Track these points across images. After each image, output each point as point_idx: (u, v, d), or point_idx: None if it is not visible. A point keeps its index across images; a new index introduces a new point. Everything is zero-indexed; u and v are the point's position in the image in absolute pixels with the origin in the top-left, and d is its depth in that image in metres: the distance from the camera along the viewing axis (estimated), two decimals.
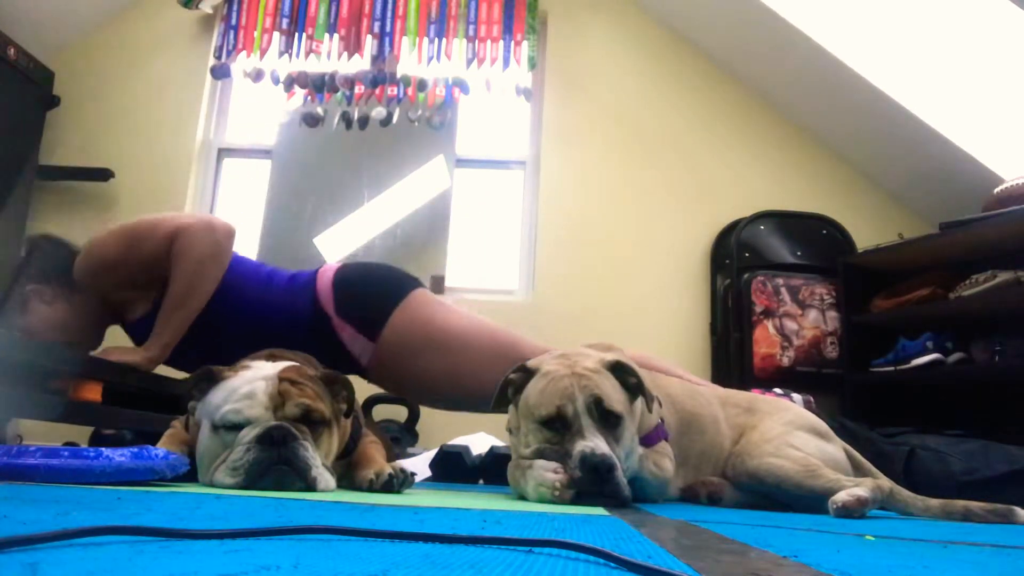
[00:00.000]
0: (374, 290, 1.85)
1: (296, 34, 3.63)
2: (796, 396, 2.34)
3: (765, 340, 3.04)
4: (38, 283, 1.78)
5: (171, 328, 1.70)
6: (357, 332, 1.80)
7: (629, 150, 3.61)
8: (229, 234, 1.76)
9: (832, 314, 3.06)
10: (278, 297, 1.81)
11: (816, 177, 3.55)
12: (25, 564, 0.36)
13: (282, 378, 1.21)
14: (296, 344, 1.69)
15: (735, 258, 3.24)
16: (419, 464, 2.26)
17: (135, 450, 1.05)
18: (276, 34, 3.62)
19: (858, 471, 1.56)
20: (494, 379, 1.71)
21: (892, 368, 2.76)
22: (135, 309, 1.79)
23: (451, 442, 2.34)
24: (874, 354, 2.86)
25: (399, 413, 3.17)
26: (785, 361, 3.01)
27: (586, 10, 3.78)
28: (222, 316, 1.76)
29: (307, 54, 3.59)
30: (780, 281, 3.12)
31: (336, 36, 3.62)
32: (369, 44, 3.63)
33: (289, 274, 1.88)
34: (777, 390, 2.51)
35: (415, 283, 1.91)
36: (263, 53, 3.62)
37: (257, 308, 1.79)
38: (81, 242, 1.81)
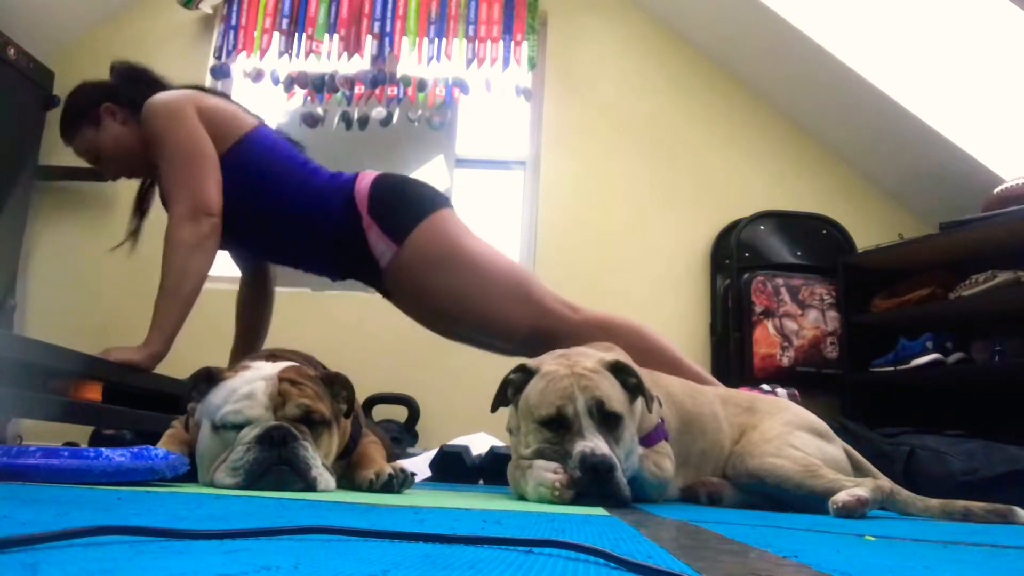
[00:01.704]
0: (410, 196, 1.92)
1: (296, 34, 3.63)
2: (781, 390, 2.34)
3: (765, 340, 3.04)
4: (115, 102, 1.94)
5: (170, 320, 1.71)
6: (383, 232, 1.84)
7: (629, 150, 3.61)
8: (213, 224, 1.78)
9: (832, 314, 3.06)
10: (316, 188, 1.88)
11: (816, 177, 3.55)
12: (25, 564, 0.36)
13: (282, 378, 1.21)
14: (324, 236, 1.86)
15: (735, 258, 3.24)
16: (419, 464, 2.26)
17: (135, 450, 1.05)
18: (276, 34, 3.62)
19: (858, 471, 1.56)
20: (502, 311, 1.82)
21: (892, 368, 2.76)
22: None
23: (451, 442, 2.34)
24: (874, 354, 2.86)
25: (399, 413, 3.17)
26: (785, 361, 3.01)
27: (586, 10, 3.78)
28: (263, 196, 1.84)
29: (307, 54, 3.59)
30: (780, 281, 3.12)
31: (336, 36, 3.62)
32: (369, 44, 3.63)
33: (332, 172, 1.96)
34: (764, 386, 2.51)
35: (449, 202, 1.98)
36: (263, 53, 3.62)
37: (296, 194, 1.86)
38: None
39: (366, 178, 1.91)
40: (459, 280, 1.86)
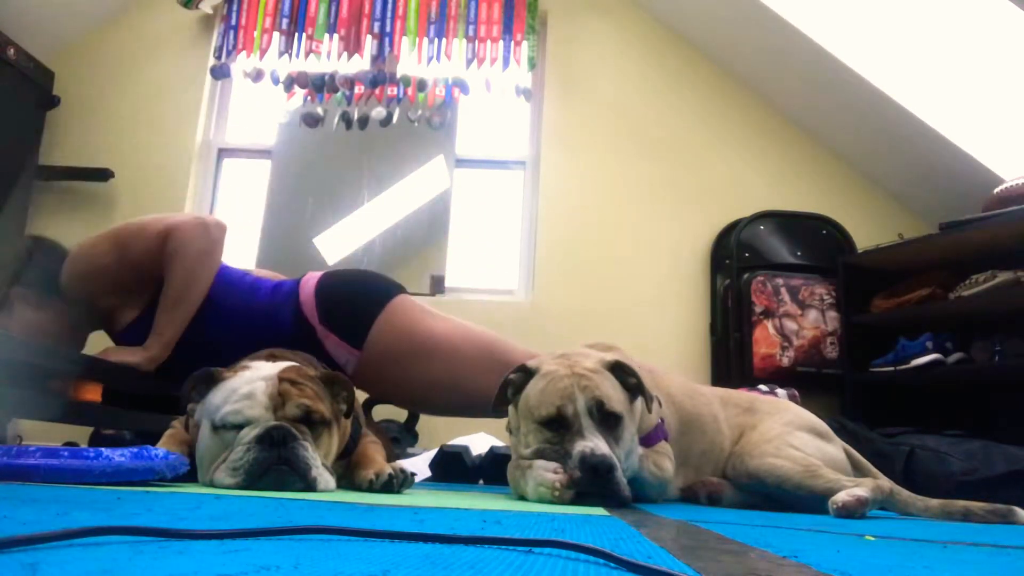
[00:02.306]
0: (357, 298, 1.83)
1: (296, 34, 3.63)
2: (780, 391, 2.34)
3: (765, 340, 3.04)
4: (25, 287, 1.75)
5: (171, 326, 1.70)
6: (341, 340, 1.78)
7: (629, 150, 3.61)
8: (222, 230, 1.76)
9: (832, 314, 3.06)
10: (262, 306, 1.80)
11: (816, 177, 3.55)
12: (25, 564, 0.36)
13: (282, 378, 1.21)
14: None
15: (735, 258, 3.24)
16: (419, 464, 2.26)
17: (135, 450, 1.05)
18: (276, 34, 3.62)
19: (858, 471, 1.56)
20: (480, 385, 1.71)
21: (892, 368, 2.76)
22: (123, 316, 1.77)
23: (451, 442, 2.34)
24: (874, 354, 2.86)
25: (399, 413, 3.16)
26: (785, 361, 3.01)
27: (586, 10, 3.78)
28: (206, 324, 1.75)
29: (307, 54, 3.59)
30: (780, 281, 3.12)
31: (336, 36, 3.62)
32: (369, 44, 3.63)
33: (273, 284, 1.87)
34: (762, 387, 2.51)
35: (398, 289, 1.89)
36: (263, 53, 3.62)
37: (241, 317, 1.78)
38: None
39: (308, 283, 1.83)
40: (429, 367, 1.80)
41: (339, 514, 0.80)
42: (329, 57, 3.62)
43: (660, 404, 1.48)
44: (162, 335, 1.70)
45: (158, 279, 1.72)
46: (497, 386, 1.41)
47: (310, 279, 1.85)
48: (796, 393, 2.43)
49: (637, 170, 3.59)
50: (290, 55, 3.62)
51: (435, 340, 1.81)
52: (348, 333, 1.78)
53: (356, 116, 3.57)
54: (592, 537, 0.70)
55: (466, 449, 2.23)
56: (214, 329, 1.76)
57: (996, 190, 2.70)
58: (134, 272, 1.74)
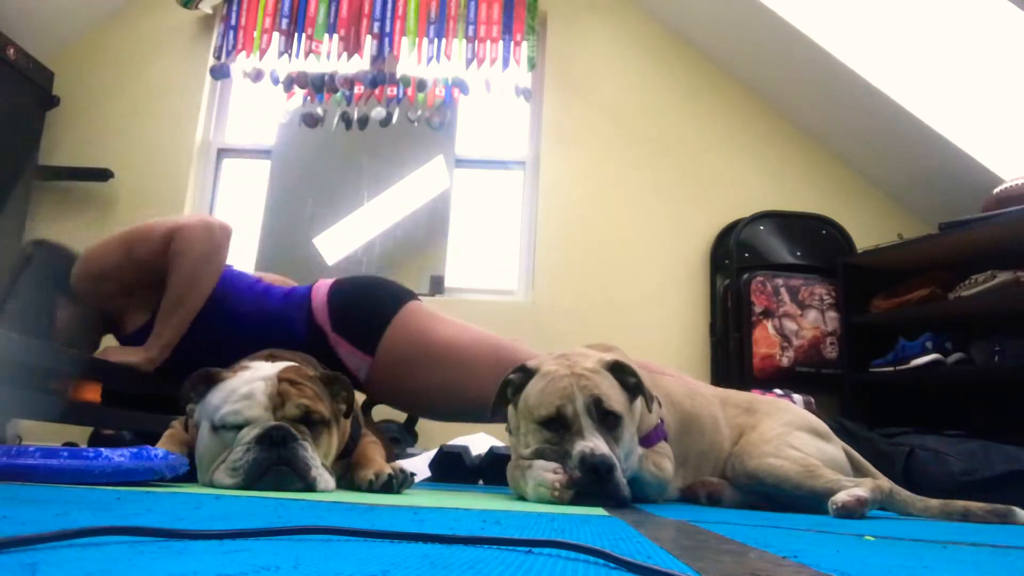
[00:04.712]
0: (369, 305, 1.83)
1: (296, 34, 3.63)
2: (797, 397, 2.34)
3: (765, 340, 3.04)
4: (34, 290, 1.76)
5: (171, 327, 1.70)
6: (353, 347, 1.78)
7: (629, 150, 3.61)
8: (226, 233, 1.76)
9: (832, 314, 3.06)
10: (274, 312, 1.80)
11: (816, 177, 3.55)
12: (25, 564, 0.36)
13: (281, 378, 1.21)
14: None
15: (734, 258, 3.24)
16: (419, 464, 2.26)
17: (135, 450, 1.05)
18: (276, 34, 3.62)
19: (858, 471, 1.56)
20: (487, 389, 1.67)
21: (892, 368, 2.76)
22: (133, 320, 1.78)
23: (451, 442, 2.35)
24: (874, 354, 2.86)
25: (399, 413, 3.16)
26: (784, 361, 3.01)
27: (586, 10, 3.78)
28: (217, 329, 1.75)
29: (307, 54, 3.59)
30: (780, 281, 3.12)
31: (336, 36, 3.62)
32: (369, 44, 3.63)
33: (285, 290, 1.87)
34: (777, 391, 2.51)
35: (409, 296, 1.90)
36: (263, 53, 3.62)
37: (253, 322, 1.77)
38: (80, 245, 1.81)
39: (321, 290, 1.83)
40: (442, 373, 1.80)
41: (339, 514, 0.80)
42: (329, 57, 3.61)
43: (660, 404, 1.48)
44: (162, 336, 1.70)
45: (165, 282, 1.72)
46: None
47: (322, 285, 1.85)
48: (812, 400, 2.43)
49: (637, 170, 3.59)
50: (290, 55, 3.61)
51: (446, 346, 1.81)
52: (360, 340, 1.78)
53: (356, 116, 3.57)
54: (592, 537, 0.70)
55: (466, 449, 2.23)
56: (225, 335, 1.75)
57: (996, 190, 2.70)
58: (141, 274, 1.74)
